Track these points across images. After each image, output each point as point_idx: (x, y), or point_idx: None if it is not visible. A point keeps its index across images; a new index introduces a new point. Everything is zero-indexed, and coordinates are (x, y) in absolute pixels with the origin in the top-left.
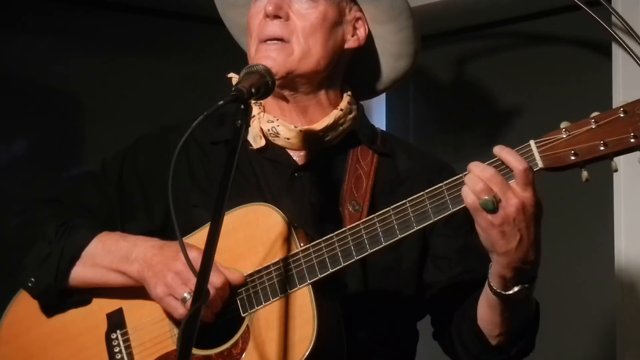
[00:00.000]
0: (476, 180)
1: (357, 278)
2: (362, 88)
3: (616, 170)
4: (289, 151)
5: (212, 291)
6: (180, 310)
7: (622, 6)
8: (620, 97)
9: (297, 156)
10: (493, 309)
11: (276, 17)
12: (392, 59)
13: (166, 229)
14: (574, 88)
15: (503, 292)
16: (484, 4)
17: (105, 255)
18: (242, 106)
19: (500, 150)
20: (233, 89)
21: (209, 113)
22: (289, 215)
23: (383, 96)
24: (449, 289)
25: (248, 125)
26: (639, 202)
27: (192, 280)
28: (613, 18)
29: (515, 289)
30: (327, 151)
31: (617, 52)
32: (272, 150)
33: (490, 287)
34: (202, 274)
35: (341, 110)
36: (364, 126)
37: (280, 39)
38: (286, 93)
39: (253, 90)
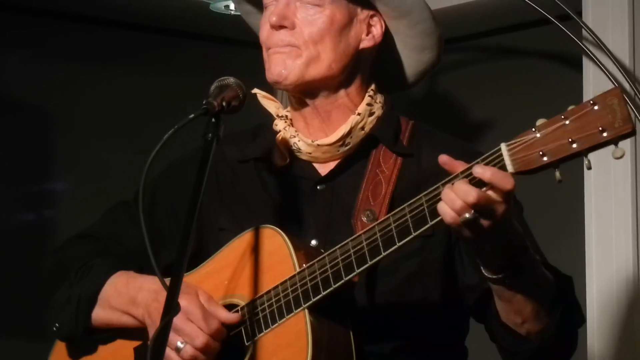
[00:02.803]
0: (454, 199)
1: (373, 292)
2: (391, 82)
3: (590, 168)
4: (314, 164)
5: (204, 338)
6: None
7: (593, 20)
8: None
9: (321, 168)
10: (500, 296)
11: (282, 27)
12: (415, 51)
13: (199, 254)
14: (545, 101)
15: (495, 276)
16: (454, 18)
17: (117, 298)
18: (213, 119)
19: (483, 172)
20: (204, 102)
21: (178, 127)
22: (293, 236)
23: None
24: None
25: (219, 139)
26: (610, 212)
27: (185, 329)
28: (583, 32)
29: (503, 267)
30: (350, 158)
31: (587, 65)
32: (298, 166)
33: (483, 275)
34: (172, 289)
35: (359, 114)
36: (387, 125)
37: (289, 45)
38: (305, 99)
39: (224, 103)
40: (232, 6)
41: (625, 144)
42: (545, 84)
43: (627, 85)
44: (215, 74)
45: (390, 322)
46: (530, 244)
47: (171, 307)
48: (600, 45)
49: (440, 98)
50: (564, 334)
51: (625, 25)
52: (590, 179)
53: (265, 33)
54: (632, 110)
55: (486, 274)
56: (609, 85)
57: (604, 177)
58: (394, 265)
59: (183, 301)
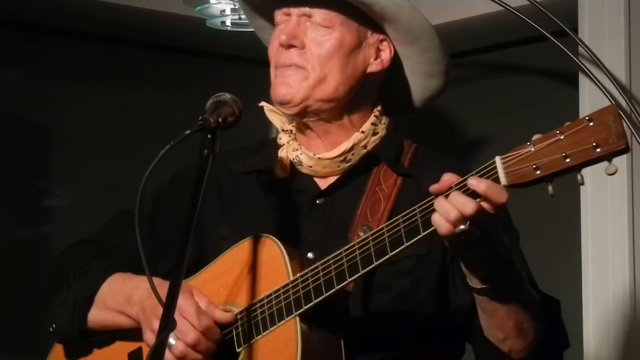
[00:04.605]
0: (450, 209)
1: (367, 305)
2: (398, 105)
3: (582, 184)
4: (314, 178)
5: (195, 335)
6: (168, 357)
7: (589, 37)
8: None
9: (321, 182)
10: (484, 309)
11: (291, 46)
12: (423, 78)
13: (198, 264)
14: (541, 118)
15: (480, 287)
16: (450, 35)
17: (113, 298)
18: (209, 135)
19: (477, 184)
20: (200, 118)
21: (175, 143)
22: (289, 245)
23: None
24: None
25: (215, 155)
26: (606, 231)
27: (177, 325)
28: (580, 48)
29: (488, 278)
30: (350, 174)
31: (583, 82)
32: (299, 179)
33: (468, 285)
34: (169, 304)
35: (362, 132)
36: (389, 145)
37: (296, 66)
38: (308, 121)
39: (220, 119)
40: (228, 22)
41: (622, 162)
42: (542, 100)
43: (623, 102)
44: (211, 90)
45: (382, 335)
46: (522, 266)
47: (167, 323)
48: (597, 62)
49: (437, 113)
50: (546, 355)
51: (622, 42)
52: (587, 198)
53: (274, 50)
54: (629, 126)
55: (471, 284)
56: (605, 102)
57: (600, 195)
58: (389, 282)
59: (180, 301)
